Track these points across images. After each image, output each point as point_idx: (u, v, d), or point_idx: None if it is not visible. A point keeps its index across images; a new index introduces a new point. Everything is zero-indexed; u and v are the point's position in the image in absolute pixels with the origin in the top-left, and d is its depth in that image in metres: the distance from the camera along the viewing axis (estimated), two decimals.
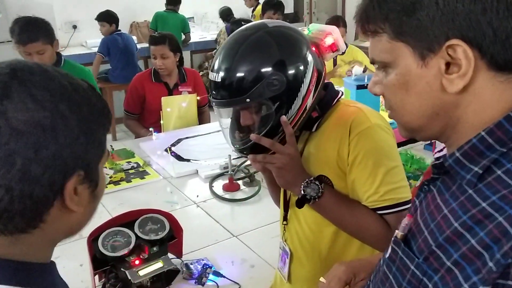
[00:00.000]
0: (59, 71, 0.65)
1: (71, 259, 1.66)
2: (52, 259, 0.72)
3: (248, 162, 2.40)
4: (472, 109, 0.65)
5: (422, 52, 0.65)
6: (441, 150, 0.80)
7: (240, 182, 2.27)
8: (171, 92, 3.19)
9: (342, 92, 1.28)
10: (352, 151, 1.16)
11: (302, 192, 1.16)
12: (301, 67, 1.15)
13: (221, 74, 1.15)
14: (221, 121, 1.33)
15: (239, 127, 1.28)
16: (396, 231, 0.74)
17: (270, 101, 1.15)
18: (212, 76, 1.18)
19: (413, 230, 0.71)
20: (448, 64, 0.64)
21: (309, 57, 1.17)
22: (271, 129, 1.18)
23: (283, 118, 1.16)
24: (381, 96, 0.77)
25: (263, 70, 1.13)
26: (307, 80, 1.16)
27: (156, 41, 3.10)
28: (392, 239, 0.74)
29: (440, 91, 0.65)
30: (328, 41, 1.22)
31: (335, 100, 1.25)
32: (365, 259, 1.09)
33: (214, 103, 1.21)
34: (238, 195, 2.18)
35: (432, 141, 2.38)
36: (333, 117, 1.23)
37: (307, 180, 1.17)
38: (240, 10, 6.80)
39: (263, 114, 1.19)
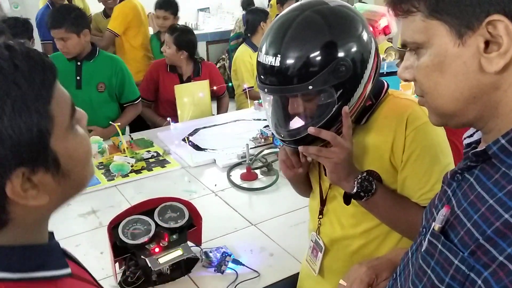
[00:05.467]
0: None
1: (92, 246, 1.68)
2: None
3: (266, 152, 2.41)
4: None
5: (460, 30, 0.61)
6: (472, 135, 0.74)
7: (257, 171, 2.27)
8: (183, 83, 3.22)
9: (388, 83, 1.21)
10: (408, 147, 1.10)
11: (356, 189, 1.11)
12: (366, 51, 1.07)
13: (280, 57, 1.03)
14: (267, 108, 1.22)
15: (285, 114, 1.17)
16: (433, 223, 0.70)
17: (333, 89, 1.06)
18: (267, 59, 1.06)
19: (451, 221, 0.67)
20: (486, 43, 0.60)
21: (372, 40, 1.10)
22: (329, 120, 1.08)
23: (345, 108, 1.07)
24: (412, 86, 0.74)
25: (330, 54, 1.03)
26: (370, 66, 1.08)
27: (168, 30, 3.23)
28: (429, 231, 0.70)
29: (478, 72, 0.62)
30: (383, 23, 1.15)
31: (385, 90, 1.18)
32: (385, 257, 1.04)
33: (267, 90, 1.09)
34: (256, 184, 2.17)
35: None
36: (383, 110, 1.16)
37: (360, 176, 1.11)
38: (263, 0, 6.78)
39: (321, 103, 1.09)
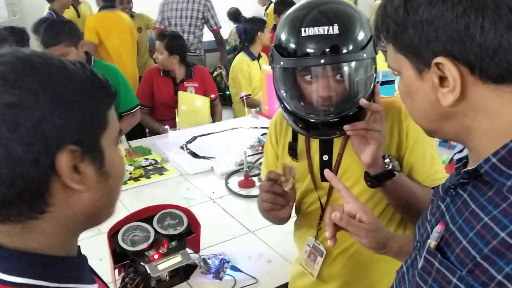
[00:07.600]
0: (33, 51, 0.63)
1: (91, 253, 1.66)
2: None
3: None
4: (483, 117, 0.64)
5: (418, 66, 0.66)
6: (461, 150, 0.75)
7: (255, 178, 2.29)
8: (177, 86, 3.30)
9: None
10: (411, 135, 1.16)
11: (391, 166, 1.09)
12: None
13: (338, 25, 1.02)
14: (292, 90, 1.15)
15: (327, 91, 1.09)
16: (427, 239, 0.70)
17: (373, 61, 1.09)
18: (321, 30, 1.03)
19: (446, 238, 0.68)
20: (441, 78, 0.64)
21: None
22: (370, 94, 1.10)
23: (378, 86, 1.10)
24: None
25: (369, 28, 1.07)
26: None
27: (158, 37, 3.34)
28: (425, 248, 0.71)
29: (438, 103, 0.65)
30: None
31: None
32: (394, 245, 0.98)
33: (323, 60, 1.04)
34: (254, 191, 2.19)
35: None
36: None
37: (385, 154, 1.11)
38: (250, 9, 6.74)
39: (362, 76, 1.10)
